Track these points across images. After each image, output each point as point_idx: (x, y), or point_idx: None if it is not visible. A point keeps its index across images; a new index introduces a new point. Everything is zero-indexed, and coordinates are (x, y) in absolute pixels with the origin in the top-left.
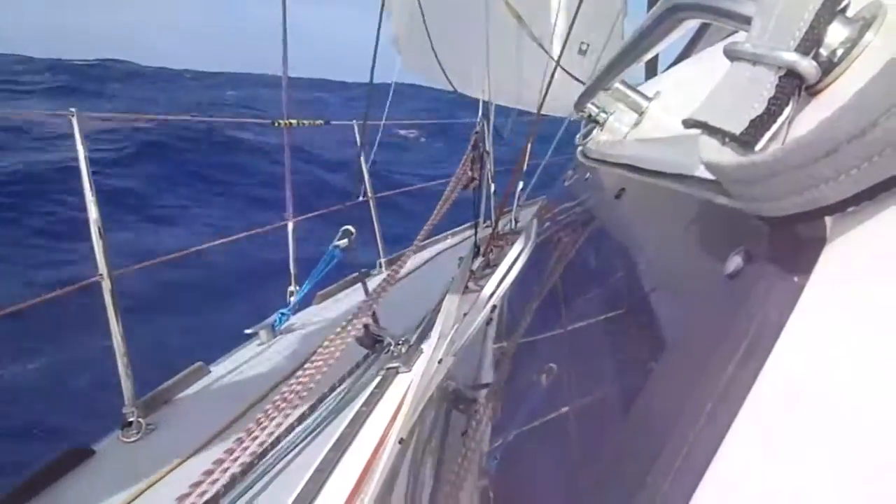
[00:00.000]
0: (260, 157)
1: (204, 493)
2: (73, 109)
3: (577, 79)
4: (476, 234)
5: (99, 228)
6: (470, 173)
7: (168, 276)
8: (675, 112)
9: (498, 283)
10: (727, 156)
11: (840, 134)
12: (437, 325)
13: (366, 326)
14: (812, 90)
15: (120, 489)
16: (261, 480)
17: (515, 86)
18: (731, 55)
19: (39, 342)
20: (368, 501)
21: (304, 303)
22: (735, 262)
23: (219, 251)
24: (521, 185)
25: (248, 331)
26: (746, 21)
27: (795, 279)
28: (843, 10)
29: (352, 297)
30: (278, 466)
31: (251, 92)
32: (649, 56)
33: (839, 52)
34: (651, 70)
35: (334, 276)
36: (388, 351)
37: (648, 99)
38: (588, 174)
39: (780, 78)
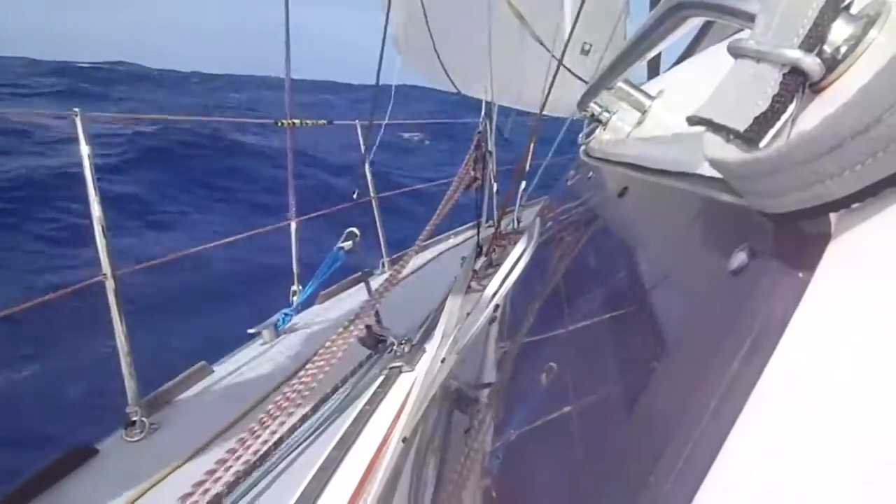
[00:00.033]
0: (263, 162)
1: (207, 491)
2: (76, 109)
3: (580, 78)
4: (479, 233)
5: (102, 228)
6: (473, 173)
7: (169, 281)
8: (678, 111)
9: (501, 283)
10: (732, 152)
11: (844, 130)
12: (439, 325)
13: (368, 327)
14: (816, 87)
15: (123, 488)
16: (264, 479)
17: (517, 86)
18: (735, 52)
19: (35, 347)
20: (372, 500)
21: (307, 302)
22: (739, 258)
23: (221, 256)
24: (523, 184)
25: (251, 330)
26: (750, 18)
27: (800, 275)
28: (847, 7)
29: (355, 296)
30: (282, 465)
31: (255, 94)
32: (652, 54)
33: (843, 50)
34: (653, 70)
35: (337, 276)
36: (391, 350)
37: (651, 98)
38: (591, 173)
39: (784, 75)
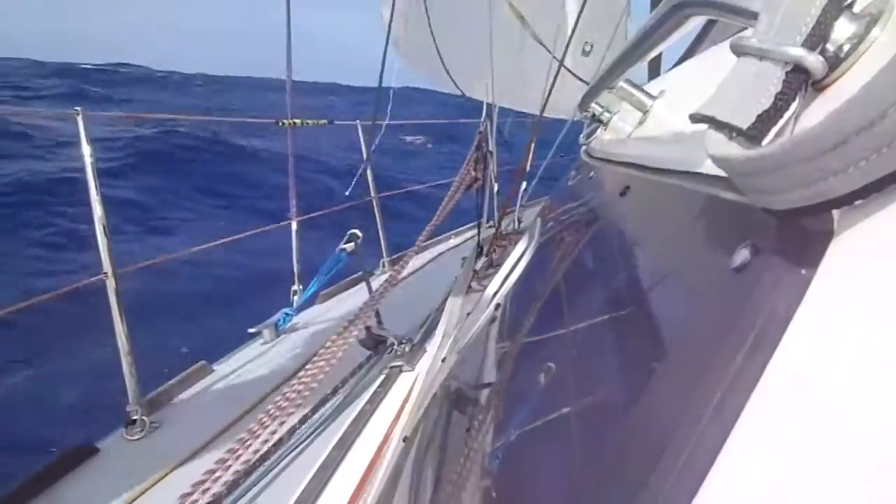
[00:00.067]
0: (265, 166)
1: (207, 491)
2: (78, 108)
3: (580, 79)
4: (479, 233)
5: (104, 227)
6: (473, 173)
7: (168, 285)
8: (679, 110)
9: (501, 283)
10: (734, 150)
11: (848, 126)
12: (440, 325)
13: (367, 328)
14: (818, 85)
15: (124, 487)
16: (264, 478)
17: (518, 87)
18: (738, 50)
19: (35, 347)
20: (372, 499)
21: (308, 302)
22: (742, 255)
23: (221, 261)
24: (524, 185)
25: (251, 330)
26: (753, 16)
27: (803, 272)
28: (850, 5)
29: (355, 296)
30: (282, 464)
31: (261, 96)
32: (654, 54)
33: (846, 48)
34: (654, 70)
35: (338, 276)
36: (392, 350)
37: (653, 98)
38: (592, 173)
39: (786, 73)
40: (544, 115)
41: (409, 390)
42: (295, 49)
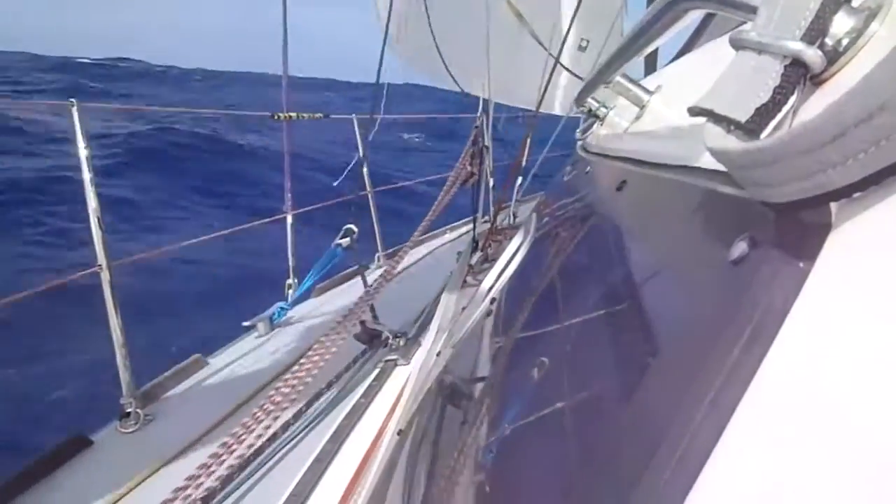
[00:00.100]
0: (262, 164)
1: (201, 485)
2: (72, 100)
3: (576, 75)
4: (475, 228)
5: (98, 219)
6: (469, 168)
7: (161, 284)
8: (676, 106)
9: (496, 277)
10: (733, 142)
11: (848, 118)
12: (435, 319)
13: (362, 322)
14: (817, 80)
15: (117, 480)
16: (259, 471)
17: (515, 83)
18: (737, 44)
19: (23, 344)
20: (367, 492)
21: (303, 296)
22: (740, 248)
23: (215, 260)
24: (519, 180)
25: (245, 323)
26: (751, 10)
27: (800, 265)
28: (849, 0)
29: (350, 290)
30: (277, 457)
31: (261, 91)
32: (652, 48)
33: (844, 42)
34: (650, 66)
35: (332, 270)
36: (386, 345)
37: (650, 93)
38: (588, 168)
39: (785, 67)
40: (540, 110)
41: (403, 384)
42: (293, 46)
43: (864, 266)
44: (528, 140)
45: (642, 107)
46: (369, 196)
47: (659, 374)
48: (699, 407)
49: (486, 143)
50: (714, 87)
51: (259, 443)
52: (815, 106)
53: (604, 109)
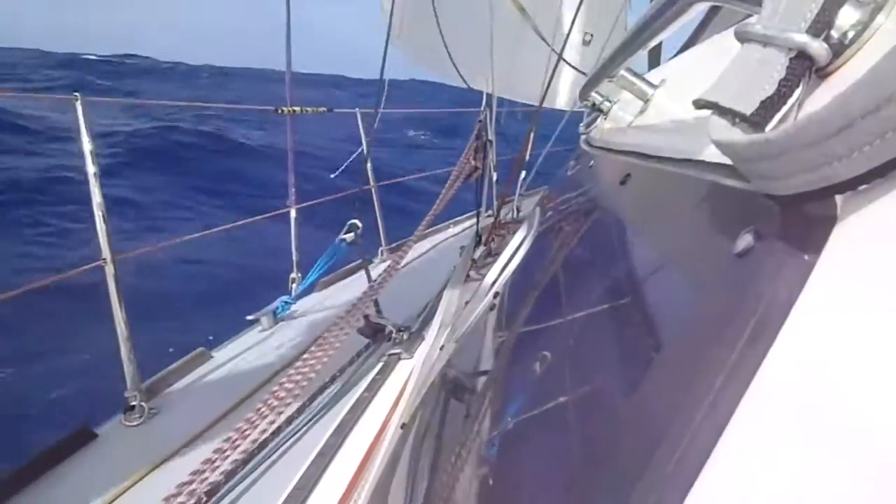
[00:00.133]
0: (267, 162)
1: (205, 479)
2: (76, 94)
3: (579, 70)
4: (478, 222)
5: (102, 213)
6: (473, 162)
7: (163, 284)
8: (680, 99)
9: (500, 272)
10: (738, 135)
11: (854, 110)
12: (438, 313)
13: (366, 317)
14: (822, 73)
15: (122, 473)
16: (263, 465)
17: (518, 77)
18: (742, 37)
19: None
20: (370, 485)
21: (306, 290)
22: (745, 240)
23: (219, 261)
24: (522, 174)
25: (249, 317)
26: (757, 3)
27: (805, 257)
28: None
29: (354, 284)
30: (280, 451)
31: (266, 87)
32: (657, 41)
33: (850, 35)
34: (654, 60)
35: (336, 264)
36: (390, 339)
37: (654, 86)
38: (592, 162)
39: (790, 59)
40: (543, 105)
41: (407, 378)
42: (301, 42)
43: (869, 259)
44: (532, 134)
45: (646, 101)
46: (373, 191)
47: (663, 367)
48: (703, 400)
49: (490, 138)
50: (719, 80)
51: (263, 437)
52: (820, 99)
53: (607, 103)
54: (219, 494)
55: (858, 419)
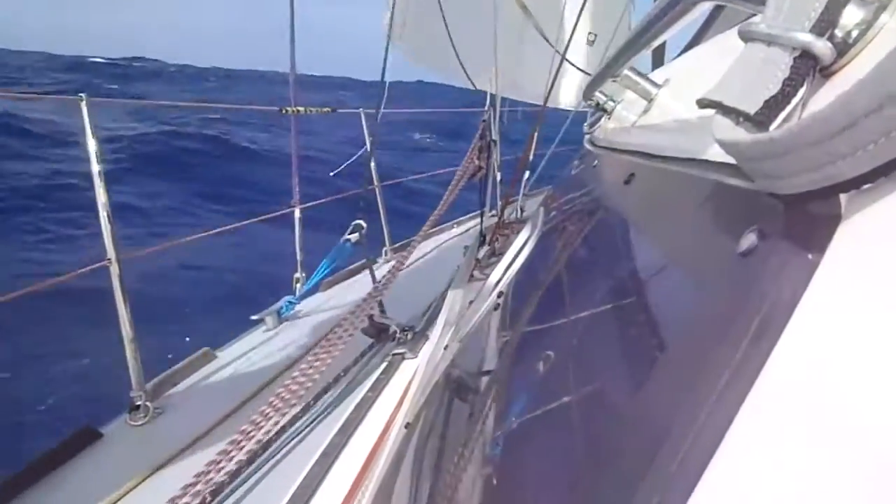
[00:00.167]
0: (272, 167)
1: (210, 480)
2: (81, 94)
3: (582, 70)
4: (482, 222)
5: (107, 213)
6: (477, 162)
7: (166, 289)
8: (684, 99)
9: (504, 272)
10: (742, 134)
11: (858, 109)
12: (442, 313)
13: (370, 317)
14: (826, 72)
15: (127, 472)
16: (267, 464)
17: (522, 77)
18: (746, 36)
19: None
20: (374, 485)
21: (310, 290)
22: (749, 239)
23: (224, 267)
24: (526, 174)
25: (254, 317)
26: (760, 2)
27: (809, 257)
28: None
29: (357, 284)
30: (284, 451)
31: (275, 90)
32: (660, 41)
33: (854, 34)
34: (658, 60)
35: (341, 263)
36: (394, 338)
37: (658, 86)
38: (596, 161)
39: (794, 59)
40: (547, 105)
41: (411, 378)
42: (310, 44)
43: (873, 258)
44: (536, 134)
45: (650, 100)
46: (377, 191)
47: (667, 367)
48: (707, 399)
49: (494, 138)
50: (723, 79)
51: (267, 437)
52: (824, 98)
53: (611, 103)
54: (223, 494)
55: (862, 418)
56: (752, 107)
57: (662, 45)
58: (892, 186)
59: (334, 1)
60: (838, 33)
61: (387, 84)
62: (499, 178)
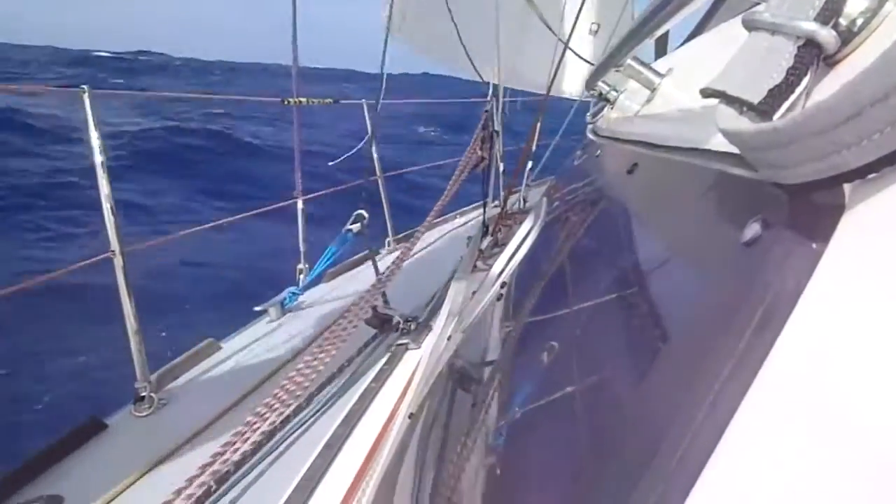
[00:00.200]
0: (276, 162)
1: (215, 472)
2: (84, 87)
3: (586, 60)
4: (485, 213)
5: (111, 205)
6: (480, 153)
7: (167, 286)
8: (688, 88)
9: (507, 262)
10: (746, 124)
11: (863, 97)
12: (445, 304)
13: (374, 307)
14: (831, 60)
15: (132, 463)
16: (271, 455)
17: (524, 67)
18: (750, 25)
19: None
20: (378, 475)
21: (314, 281)
22: (753, 229)
23: (226, 264)
24: (529, 164)
25: (257, 308)
26: None
27: (813, 246)
28: None
29: (361, 275)
30: (288, 441)
31: (280, 83)
32: (664, 30)
33: (859, 22)
34: (661, 49)
35: (343, 255)
36: (398, 329)
37: (661, 75)
38: (599, 151)
39: (798, 48)
40: (550, 94)
41: (414, 368)
42: (313, 37)
43: (877, 247)
44: (538, 124)
45: (653, 90)
46: (379, 181)
47: (670, 357)
48: (711, 389)
49: (497, 128)
50: (726, 68)
51: (271, 428)
52: (828, 87)
53: (614, 93)
54: (228, 483)
55: (864, 410)
56: (755, 96)
57: (666, 35)
58: None
59: (334, 1)
60: (842, 22)
61: (385, 76)
62: (501, 168)
